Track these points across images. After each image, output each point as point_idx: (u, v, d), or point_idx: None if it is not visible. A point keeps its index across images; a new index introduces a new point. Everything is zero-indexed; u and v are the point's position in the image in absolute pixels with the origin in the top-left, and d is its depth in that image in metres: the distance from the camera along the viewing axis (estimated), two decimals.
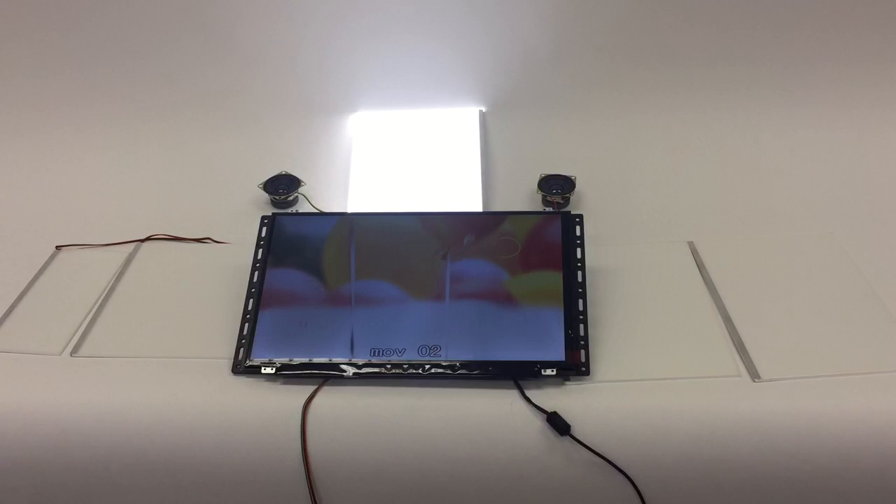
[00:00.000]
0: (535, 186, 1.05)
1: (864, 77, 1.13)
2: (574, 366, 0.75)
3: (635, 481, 0.71)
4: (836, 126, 1.13)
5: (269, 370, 0.77)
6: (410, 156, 1.12)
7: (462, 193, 1.06)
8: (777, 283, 0.87)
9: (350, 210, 1.04)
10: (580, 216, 0.86)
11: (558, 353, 0.76)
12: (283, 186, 1.07)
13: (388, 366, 0.76)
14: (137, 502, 0.76)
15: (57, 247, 0.99)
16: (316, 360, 0.77)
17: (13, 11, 1.13)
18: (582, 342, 0.77)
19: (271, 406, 0.75)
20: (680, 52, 1.13)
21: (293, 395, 0.75)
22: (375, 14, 1.13)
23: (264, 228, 0.89)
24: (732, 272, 0.89)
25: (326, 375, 0.77)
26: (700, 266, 0.91)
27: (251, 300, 0.83)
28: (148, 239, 1.00)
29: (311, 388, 0.76)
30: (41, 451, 0.75)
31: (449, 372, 0.76)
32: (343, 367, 0.77)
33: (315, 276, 0.84)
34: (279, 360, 0.78)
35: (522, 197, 1.08)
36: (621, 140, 1.15)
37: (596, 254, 0.88)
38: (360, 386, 0.77)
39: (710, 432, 0.71)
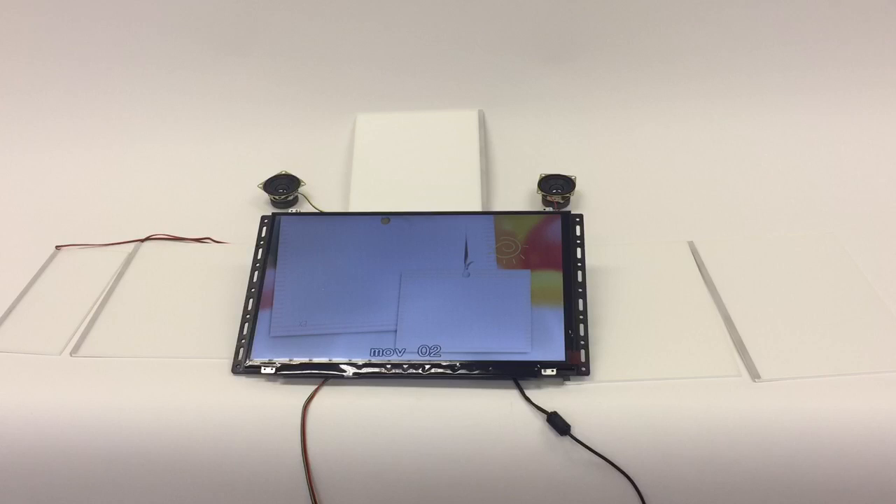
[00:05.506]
0: (535, 186, 1.05)
1: (864, 77, 1.13)
2: (574, 366, 0.75)
3: (635, 481, 0.71)
4: (837, 126, 1.13)
5: (268, 370, 0.77)
6: (410, 155, 1.12)
7: (462, 193, 1.06)
8: (777, 283, 0.87)
9: (350, 210, 1.04)
10: (580, 216, 0.86)
11: (558, 353, 0.76)
12: (282, 186, 1.07)
13: (388, 366, 0.76)
14: (137, 502, 0.76)
15: (57, 247, 0.99)
16: (316, 359, 0.77)
17: (14, 9, 1.13)
18: (582, 342, 0.77)
19: (271, 406, 0.75)
20: (680, 51, 1.13)
21: (293, 395, 0.75)
22: (376, 15, 1.13)
23: (264, 228, 0.89)
24: (732, 272, 0.89)
25: (326, 375, 0.77)
26: (700, 266, 0.91)
27: (251, 300, 0.83)
28: (148, 239, 1.00)
29: (311, 388, 0.76)
30: (41, 451, 0.75)
31: (449, 372, 0.76)
32: (343, 366, 0.77)
33: (315, 276, 0.84)
34: (279, 360, 0.78)
35: (522, 197, 1.08)
36: (621, 140, 1.15)
37: (596, 254, 0.88)
38: (360, 386, 0.77)
39: (710, 432, 0.71)
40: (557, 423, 0.71)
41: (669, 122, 1.16)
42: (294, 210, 1.05)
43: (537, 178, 1.05)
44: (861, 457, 0.70)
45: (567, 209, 1.02)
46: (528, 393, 0.74)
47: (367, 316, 0.80)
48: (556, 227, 0.85)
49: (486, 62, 1.16)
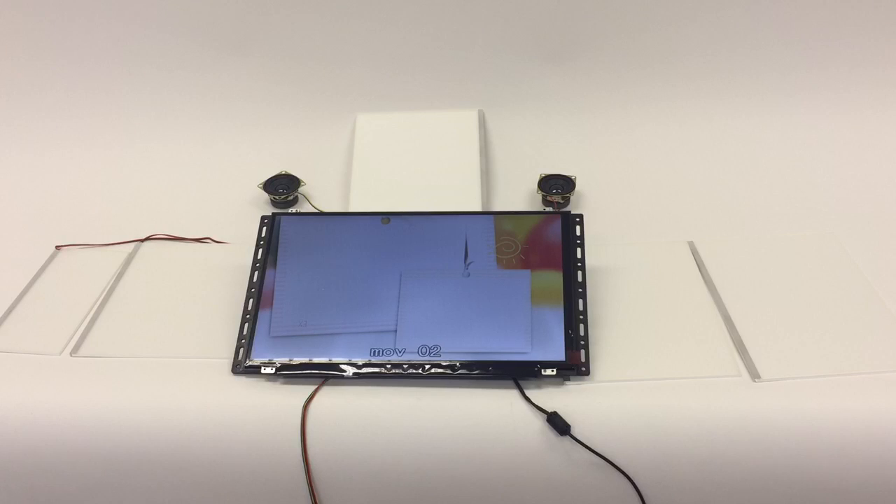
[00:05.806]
0: (535, 186, 1.05)
1: (864, 77, 1.13)
2: (574, 366, 0.75)
3: (635, 481, 0.71)
4: (837, 126, 1.13)
5: (268, 370, 0.77)
6: (410, 155, 1.12)
7: (462, 193, 1.06)
8: (777, 283, 0.87)
9: (350, 210, 1.04)
10: (580, 216, 0.86)
11: (558, 353, 0.76)
12: (282, 186, 1.07)
13: (388, 366, 0.76)
14: (137, 502, 0.76)
15: (57, 247, 0.99)
16: (316, 359, 0.77)
17: (14, 9, 1.13)
18: (582, 342, 0.77)
19: (271, 406, 0.75)
20: (680, 51, 1.13)
21: (293, 395, 0.75)
22: (376, 15, 1.13)
23: (264, 228, 0.89)
24: (732, 272, 0.89)
25: (326, 375, 0.77)
26: (700, 266, 0.91)
27: (251, 300, 0.83)
28: (148, 239, 1.00)
29: (311, 388, 0.76)
30: (41, 451, 0.75)
31: (449, 372, 0.76)
32: (343, 366, 0.77)
33: (315, 276, 0.84)
34: (279, 360, 0.78)
35: (522, 197, 1.08)
36: (621, 140, 1.15)
37: (596, 254, 0.88)
38: (360, 386, 0.77)
39: (710, 432, 0.71)
40: (557, 423, 0.71)
41: (669, 122, 1.16)
42: (294, 210, 1.05)
43: (537, 178, 1.05)
44: (861, 457, 0.70)
45: (567, 209, 1.02)
46: (528, 393, 0.74)
47: (367, 316, 0.80)
48: (556, 227, 0.85)
49: (486, 62, 1.16)
